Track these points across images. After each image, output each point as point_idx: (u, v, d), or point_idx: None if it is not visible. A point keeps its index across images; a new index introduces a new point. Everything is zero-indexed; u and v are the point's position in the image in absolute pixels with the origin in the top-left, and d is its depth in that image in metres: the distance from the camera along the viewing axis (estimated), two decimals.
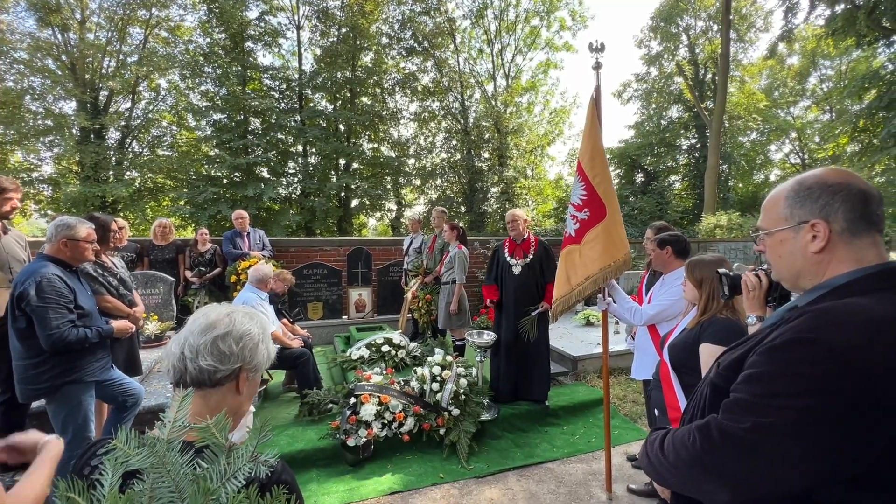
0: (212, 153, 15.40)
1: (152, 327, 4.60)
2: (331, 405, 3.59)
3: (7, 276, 2.84)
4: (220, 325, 0.91)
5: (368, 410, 3.22)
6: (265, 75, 16.37)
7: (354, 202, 17.67)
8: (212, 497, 0.61)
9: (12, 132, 12.59)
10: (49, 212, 14.33)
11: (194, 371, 0.87)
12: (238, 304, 3.69)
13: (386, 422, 3.25)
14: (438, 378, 3.53)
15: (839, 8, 11.24)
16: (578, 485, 2.94)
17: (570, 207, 2.88)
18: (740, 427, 0.74)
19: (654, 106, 22.97)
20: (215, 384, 0.89)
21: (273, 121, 15.37)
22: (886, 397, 0.66)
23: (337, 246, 7.04)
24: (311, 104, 16.80)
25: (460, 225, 5.02)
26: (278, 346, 3.75)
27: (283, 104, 16.48)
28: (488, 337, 3.84)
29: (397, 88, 18.15)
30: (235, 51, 15.23)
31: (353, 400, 3.34)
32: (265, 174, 15.65)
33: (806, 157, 22.75)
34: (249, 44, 15.80)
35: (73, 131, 13.73)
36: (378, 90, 17.72)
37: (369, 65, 17.21)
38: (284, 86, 16.64)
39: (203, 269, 5.63)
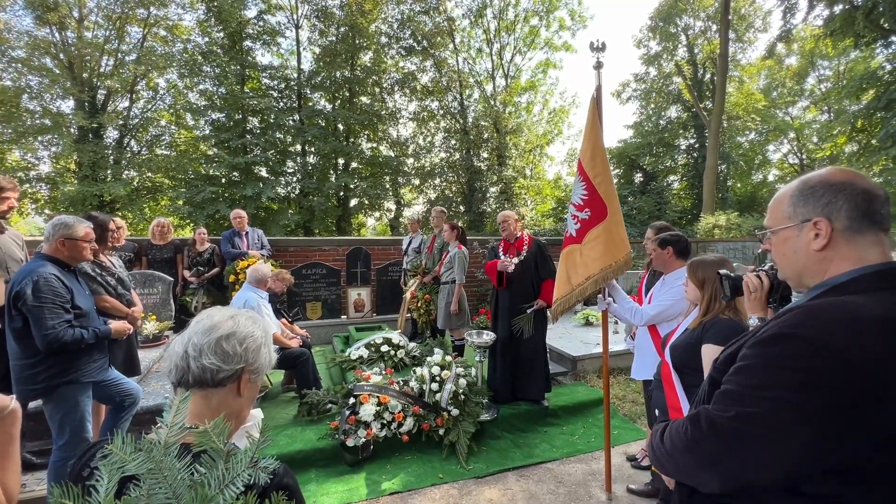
0: (210, 152, 15.35)
1: (150, 327, 4.57)
2: (330, 405, 3.58)
3: (4, 276, 2.82)
4: (224, 326, 0.92)
5: (367, 410, 3.21)
6: (264, 74, 16.33)
7: (353, 202, 17.65)
8: (210, 503, 0.60)
9: (9, 131, 12.52)
10: (46, 211, 14.27)
11: (197, 370, 0.88)
12: (238, 303, 3.69)
13: (385, 422, 3.24)
14: (438, 378, 3.52)
15: (838, 8, 11.27)
16: (578, 485, 2.94)
17: (570, 207, 2.87)
18: (725, 416, 0.77)
19: (652, 106, 22.98)
20: (217, 384, 0.89)
21: (272, 120, 15.33)
22: (867, 394, 0.68)
23: (336, 245, 7.03)
24: (310, 103, 16.77)
25: (460, 225, 5.02)
26: (277, 346, 3.74)
27: (281, 103, 16.44)
28: (487, 337, 3.83)
29: (396, 88, 18.11)
30: (234, 50, 15.19)
31: (352, 400, 3.33)
32: (264, 173, 15.61)
33: (804, 157, 22.78)
34: (248, 43, 15.75)
35: (71, 130, 13.66)
36: (377, 89, 17.68)
37: (368, 64, 17.18)
38: (283, 85, 16.60)
39: (201, 268, 5.61)
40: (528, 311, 3.77)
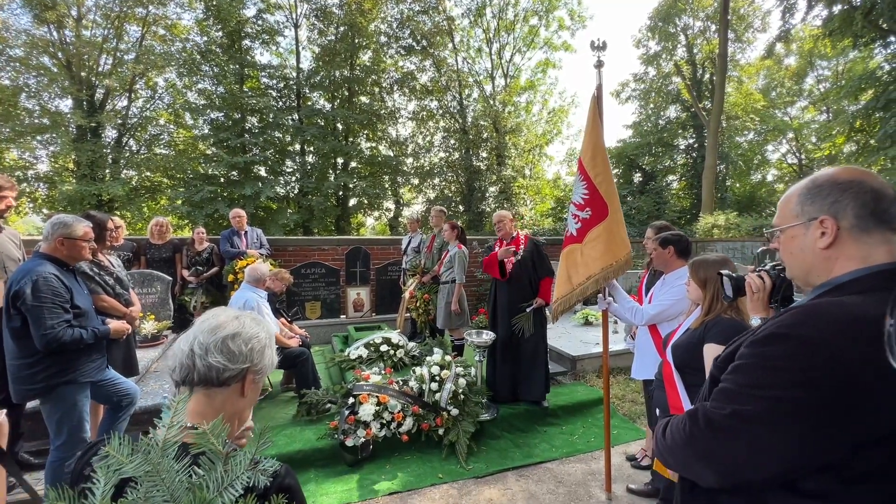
0: (209, 152, 15.33)
1: (149, 327, 4.56)
2: (329, 405, 3.57)
3: (1, 276, 2.81)
4: (229, 325, 0.93)
5: (367, 410, 3.20)
6: (263, 73, 16.30)
7: (352, 201, 17.63)
8: None
9: (7, 130, 12.48)
10: (44, 210, 14.23)
11: (203, 368, 0.88)
12: (237, 304, 3.68)
13: (384, 422, 3.23)
14: (437, 378, 3.52)
15: (836, 8, 11.27)
16: (577, 485, 2.93)
17: (571, 206, 2.86)
18: (721, 413, 0.79)
19: (651, 106, 22.97)
20: (222, 383, 0.89)
21: (271, 119, 15.31)
22: (863, 394, 0.68)
23: (335, 245, 7.02)
24: (310, 103, 16.76)
25: (459, 224, 5.01)
26: (277, 346, 3.72)
27: (280, 103, 16.42)
28: (487, 336, 3.83)
29: (396, 87, 18.10)
30: (233, 49, 15.16)
31: (351, 400, 3.32)
32: (263, 173, 15.59)
33: (803, 157, 22.80)
34: (247, 42, 15.73)
35: (70, 129, 13.62)
36: (376, 89, 17.67)
37: (368, 63, 17.17)
38: (282, 84, 16.57)
39: (200, 268, 5.59)
40: (528, 310, 3.77)
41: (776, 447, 0.73)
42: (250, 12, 15.48)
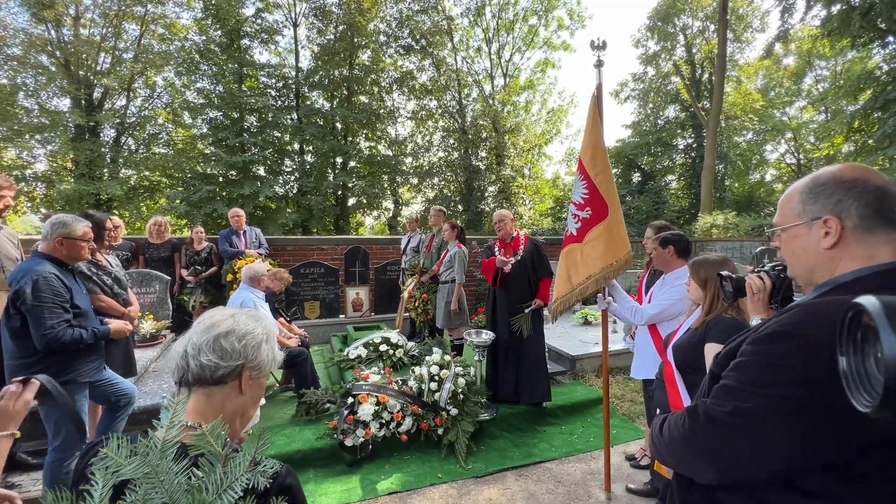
0: (208, 151, 15.29)
1: (147, 326, 4.55)
2: (328, 405, 3.57)
3: (2, 278, 2.80)
4: (223, 324, 0.93)
5: (366, 410, 3.20)
6: (262, 73, 16.26)
7: (351, 201, 17.60)
8: None
9: (5, 129, 12.44)
10: (42, 210, 14.18)
11: (195, 368, 0.88)
12: (235, 304, 3.67)
13: (384, 421, 3.23)
14: (437, 378, 3.51)
15: (835, 8, 11.28)
16: (577, 484, 2.93)
17: (570, 206, 2.86)
18: (722, 410, 0.79)
19: (650, 105, 22.98)
20: (217, 382, 0.89)
21: (270, 119, 15.27)
22: None
23: (334, 244, 7.01)
24: (308, 102, 16.72)
25: (459, 224, 5.01)
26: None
27: (279, 102, 16.39)
28: (486, 336, 3.82)
29: (395, 87, 18.07)
30: (231, 48, 15.12)
31: (350, 399, 3.31)
32: (262, 172, 15.56)
33: (801, 157, 22.84)
34: (246, 41, 15.70)
35: (68, 128, 13.58)
36: (375, 88, 17.63)
37: (367, 63, 17.13)
38: (281, 83, 16.54)
39: (199, 267, 5.58)
40: (526, 310, 3.77)
41: (778, 445, 0.73)
42: (249, 11, 15.47)
